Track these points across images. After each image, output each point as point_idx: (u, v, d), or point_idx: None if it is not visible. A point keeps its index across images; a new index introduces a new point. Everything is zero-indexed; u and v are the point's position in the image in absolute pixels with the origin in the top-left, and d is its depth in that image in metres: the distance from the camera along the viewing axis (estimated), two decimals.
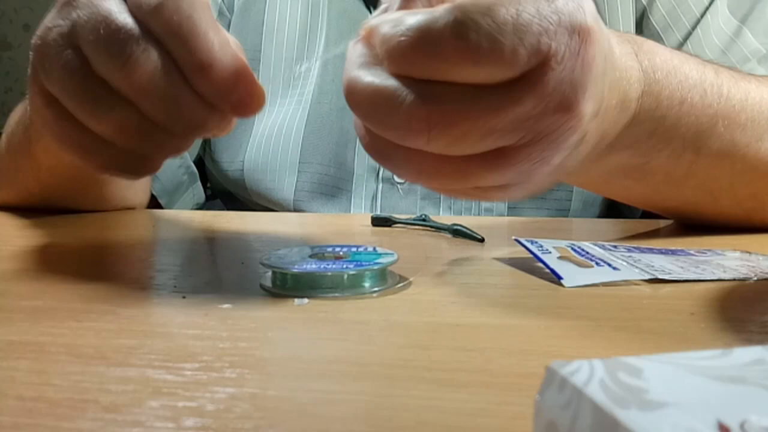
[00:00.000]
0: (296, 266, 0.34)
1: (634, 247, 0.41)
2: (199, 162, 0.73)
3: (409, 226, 0.51)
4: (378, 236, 0.48)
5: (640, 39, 0.42)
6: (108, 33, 0.33)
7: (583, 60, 0.29)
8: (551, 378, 0.16)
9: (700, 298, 0.33)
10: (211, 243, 0.49)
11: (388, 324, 0.30)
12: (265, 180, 0.66)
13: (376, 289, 0.34)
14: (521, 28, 0.27)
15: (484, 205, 0.64)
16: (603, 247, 0.40)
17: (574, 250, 0.39)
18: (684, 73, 0.42)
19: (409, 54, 0.28)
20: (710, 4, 0.63)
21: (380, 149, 0.31)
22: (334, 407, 0.22)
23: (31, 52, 0.36)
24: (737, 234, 0.48)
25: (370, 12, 0.65)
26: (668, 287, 0.34)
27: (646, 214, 0.67)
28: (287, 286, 0.34)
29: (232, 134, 0.67)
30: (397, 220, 0.51)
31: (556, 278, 0.35)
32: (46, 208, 0.57)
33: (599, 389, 0.15)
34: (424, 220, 0.50)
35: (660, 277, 0.35)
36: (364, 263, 0.34)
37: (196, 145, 0.69)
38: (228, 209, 0.73)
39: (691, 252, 0.41)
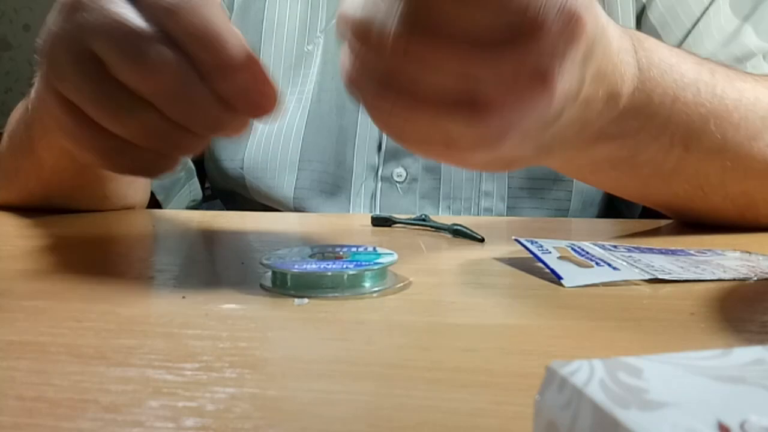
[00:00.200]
0: (296, 266, 0.34)
1: (634, 247, 0.41)
2: (198, 161, 0.73)
3: (409, 226, 0.51)
4: (378, 236, 0.48)
5: (642, 36, 0.42)
6: (124, 36, 0.33)
7: (567, 42, 0.29)
8: (551, 378, 0.16)
9: (700, 298, 0.33)
10: (211, 243, 0.49)
11: (388, 324, 0.30)
12: (265, 178, 0.66)
13: (376, 289, 0.34)
14: None
15: (484, 204, 0.64)
16: (603, 247, 0.40)
17: (574, 250, 0.39)
18: (680, 72, 0.42)
19: None
20: (711, 4, 0.63)
21: (357, 79, 0.31)
22: (334, 407, 0.22)
23: (38, 57, 0.36)
24: (737, 234, 0.48)
25: None
26: (668, 287, 0.34)
27: (646, 214, 0.67)
28: (287, 286, 0.34)
29: None
30: (397, 220, 0.51)
31: (556, 278, 0.35)
32: (46, 208, 0.57)
33: (599, 389, 0.15)
34: (424, 220, 0.50)
35: (660, 277, 0.35)
36: (364, 263, 0.34)
37: None
38: (228, 209, 0.73)
39: (691, 252, 0.41)
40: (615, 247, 0.41)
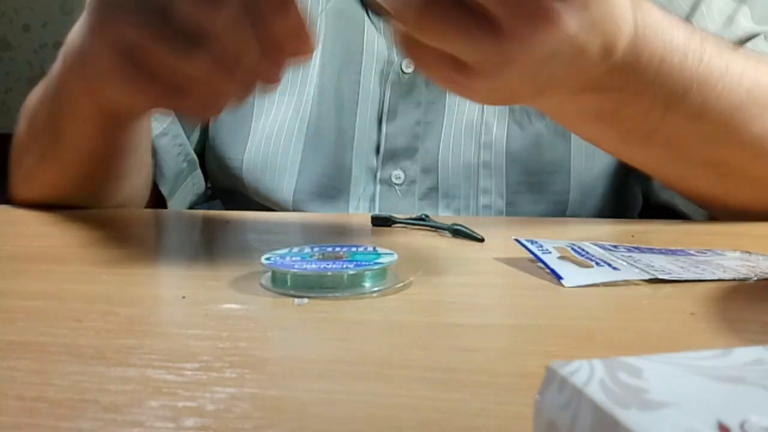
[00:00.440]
0: (296, 266, 0.34)
1: (634, 247, 0.41)
2: (200, 156, 0.73)
3: (409, 226, 0.51)
4: (378, 236, 0.48)
5: None
6: None
7: None
8: (551, 378, 0.16)
9: (700, 298, 0.33)
10: (211, 243, 0.49)
11: (388, 324, 0.30)
12: (264, 180, 0.66)
13: (376, 289, 0.34)
14: None
15: (482, 201, 0.64)
16: (603, 247, 0.40)
17: (574, 250, 0.39)
18: (670, 35, 0.44)
19: None
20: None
21: None
22: (334, 407, 0.22)
23: (89, 8, 0.39)
24: (737, 234, 0.48)
25: (367, 13, 0.65)
26: (668, 287, 0.34)
27: (646, 213, 0.67)
28: (287, 286, 0.34)
29: (233, 130, 0.67)
30: (397, 220, 0.51)
31: (556, 278, 0.35)
32: (63, 204, 0.57)
33: (599, 389, 0.15)
34: (423, 219, 0.50)
35: (660, 277, 0.35)
36: (364, 263, 0.34)
37: (195, 132, 0.69)
38: (228, 209, 0.73)
39: (691, 252, 0.41)
40: (615, 247, 0.41)
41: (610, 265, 0.37)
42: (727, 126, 0.48)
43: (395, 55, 0.64)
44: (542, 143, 0.62)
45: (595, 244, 0.40)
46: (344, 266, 0.34)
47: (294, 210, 0.66)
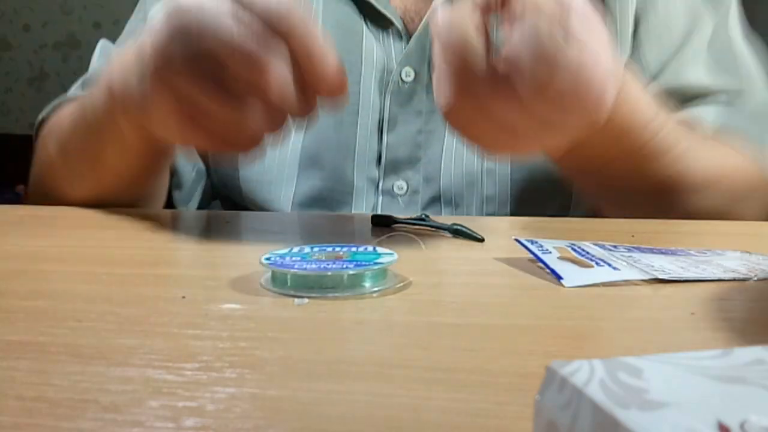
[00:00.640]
0: (296, 266, 0.34)
1: (634, 247, 0.41)
2: (206, 164, 0.73)
3: (409, 226, 0.50)
4: (378, 236, 0.48)
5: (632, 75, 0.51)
6: (242, 37, 0.38)
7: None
8: (551, 378, 0.16)
9: (700, 298, 0.33)
10: (211, 243, 0.49)
11: (388, 324, 0.30)
12: (262, 191, 0.66)
13: (376, 289, 0.34)
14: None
15: (486, 209, 0.64)
16: (603, 247, 0.40)
17: (574, 250, 0.39)
18: (641, 123, 0.51)
19: None
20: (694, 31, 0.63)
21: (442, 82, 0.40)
22: (334, 407, 0.22)
23: (150, 57, 0.41)
24: (737, 234, 0.48)
25: (365, 23, 0.65)
26: (668, 287, 0.34)
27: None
28: (287, 286, 0.34)
29: None
30: (397, 220, 0.51)
31: (556, 278, 0.35)
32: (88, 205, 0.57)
33: (599, 389, 0.15)
34: (424, 219, 0.50)
35: (660, 277, 0.35)
36: (364, 263, 0.34)
37: None
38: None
39: (691, 252, 0.41)
40: (615, 247, 0.41)
41: (610, 265, 0.37)
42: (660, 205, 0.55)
43: (394, 63, 0.63)
44: None
45: (595, 244, 0.40)
46: (344, 266, 0.34)
47: None
